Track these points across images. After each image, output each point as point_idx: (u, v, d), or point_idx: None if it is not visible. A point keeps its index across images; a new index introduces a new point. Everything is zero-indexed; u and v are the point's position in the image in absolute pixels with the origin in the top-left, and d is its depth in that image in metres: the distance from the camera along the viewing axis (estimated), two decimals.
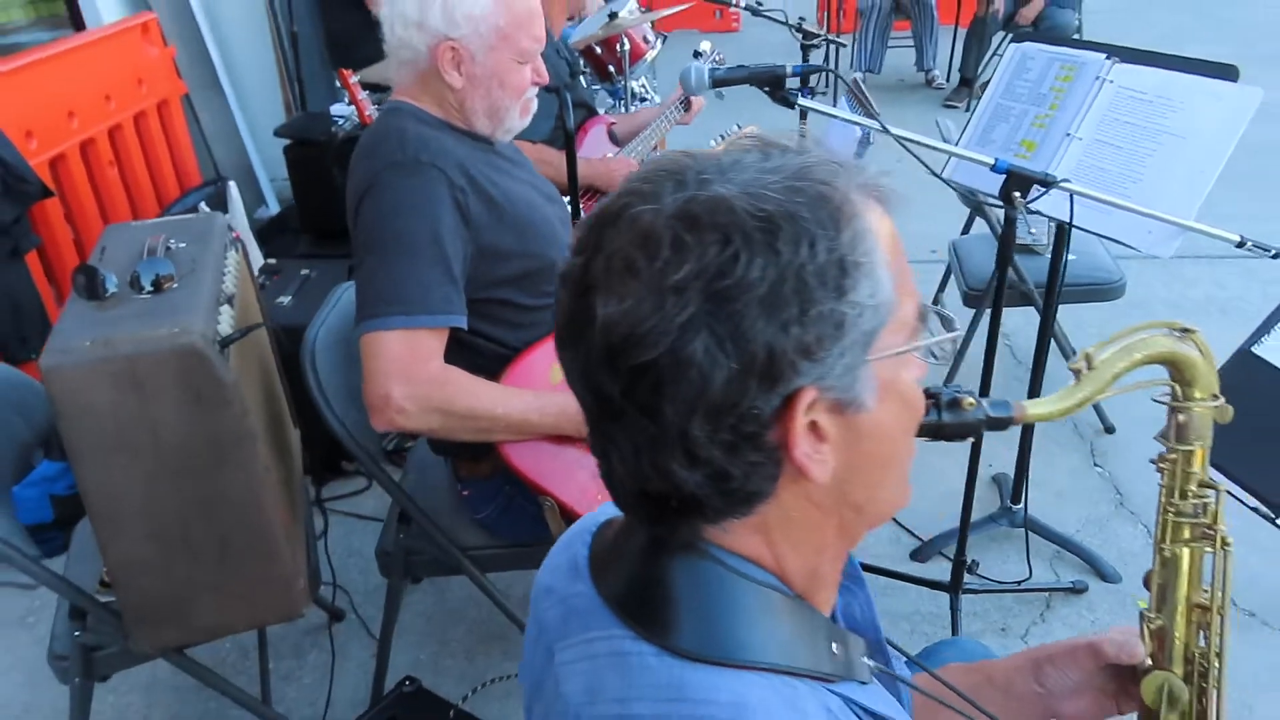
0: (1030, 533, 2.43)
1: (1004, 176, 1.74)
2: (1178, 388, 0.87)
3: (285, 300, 2.74)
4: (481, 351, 1.63)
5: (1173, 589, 0.90)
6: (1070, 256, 2.91)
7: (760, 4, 3.10)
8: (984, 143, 2.18)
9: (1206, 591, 0.90)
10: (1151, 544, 0.93)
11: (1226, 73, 1.82)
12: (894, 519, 2.60)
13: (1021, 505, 2.51)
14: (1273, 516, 1.21)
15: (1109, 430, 2.93)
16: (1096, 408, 2.96)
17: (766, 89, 1.71)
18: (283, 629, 2.25)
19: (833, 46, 5.75)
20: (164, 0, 4.28)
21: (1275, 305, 1.47)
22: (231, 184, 3.61)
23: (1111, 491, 2.70)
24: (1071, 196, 1.77)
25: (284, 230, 3.82)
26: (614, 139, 2.89)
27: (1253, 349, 1.37)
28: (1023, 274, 2.79)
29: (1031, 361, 2.28)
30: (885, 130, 1.72)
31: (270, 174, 4.50)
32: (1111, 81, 1.97)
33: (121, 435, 1.43)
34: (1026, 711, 0.97)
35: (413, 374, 1.47)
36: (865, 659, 0.72)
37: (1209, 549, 0.89)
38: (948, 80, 6.71)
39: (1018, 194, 1.74)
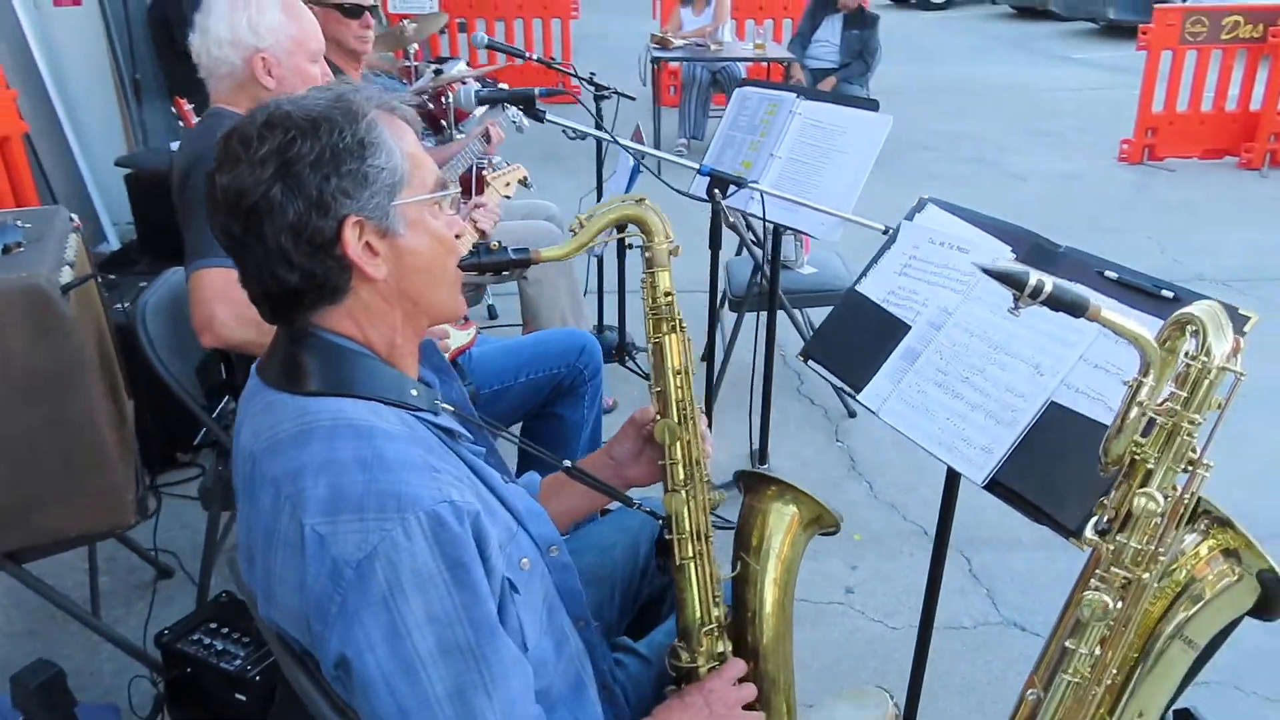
0: None
1: (708, 179, 2.29)
2: (643, 236, 1.32)
3: (123, 306, 3.03)
4: None
5: (661, 364, 1.33)
6: (813, 270, 3.53)
7: (553, 59, 3.63)
8: (718, 162, 2.74)
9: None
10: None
11: (871, 106, 2.43)
12: None
13: (766, 466, 3.04)
14: (853, 393, 1.74)
15: (851, 415, 3.51)
16: (840, 397, 3.54)
17: (521, 106, 2.21)
18: (111, 583, 2.52)
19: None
20: (6, 48, 4.53)
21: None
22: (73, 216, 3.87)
23: (847, 460, 3.27)
24: (762, 195, 2.33)
25: (124, 263, 4.07)
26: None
27: (856, 287, 1.90)
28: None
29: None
30: (615, 141, 2.23)
31: (112, 216, 4.74)
32: (800, 114, 2.56)
33: None
34: (611, 479, 1.43)
35: (231, 296, 1.83)
36: (441, 404, 1.15)
37: (677, 335, 1.34)
38: None
39: (718, 191, 2.28)
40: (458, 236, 1.20)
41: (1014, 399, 1.50)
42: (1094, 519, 1.21)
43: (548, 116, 2.20)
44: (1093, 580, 1.19)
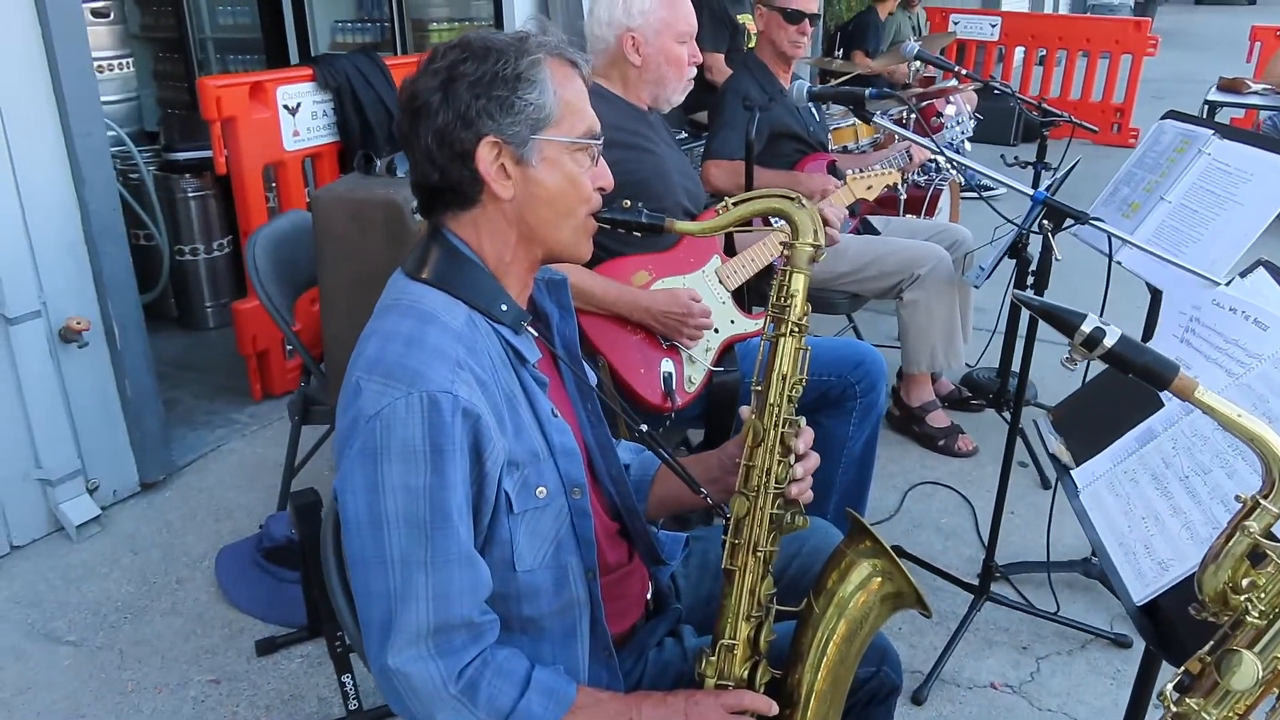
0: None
1: (1043, 207, 2.02)
2: (789, 233, 1.22)
3: None
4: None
5: (770, 366, 1.23)
6: None
7: (995, 80, 3.38)
8: (1108, 201, 2.39)
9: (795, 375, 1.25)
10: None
11: None
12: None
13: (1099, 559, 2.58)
14: (1072, 466, 1.44)
15: None
16: None
17: (851, 106, 2.14)
18: None
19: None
20: (560, 12, 5.38)
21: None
22: None
23: None
24: (1109, 236, 1.99)
25: None
26: (834, 172, 3.35)
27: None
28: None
29: None
30: (941, 152, 2.07)
31: None
32: (1208, 154, 2.12)
33: (346, 248, 2.21)
34: (712, 482, 1.40)
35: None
36: (530, 329, 1.23)
37: (793, 340, 1.22)
38: None
39: (1048, 223, 1.99)
40: (600, 190, 1.27)
41: (1224, 515, 1.15)
42: (1182, 672, 0.91)
43: (875, 119, 2.09)
44: None
